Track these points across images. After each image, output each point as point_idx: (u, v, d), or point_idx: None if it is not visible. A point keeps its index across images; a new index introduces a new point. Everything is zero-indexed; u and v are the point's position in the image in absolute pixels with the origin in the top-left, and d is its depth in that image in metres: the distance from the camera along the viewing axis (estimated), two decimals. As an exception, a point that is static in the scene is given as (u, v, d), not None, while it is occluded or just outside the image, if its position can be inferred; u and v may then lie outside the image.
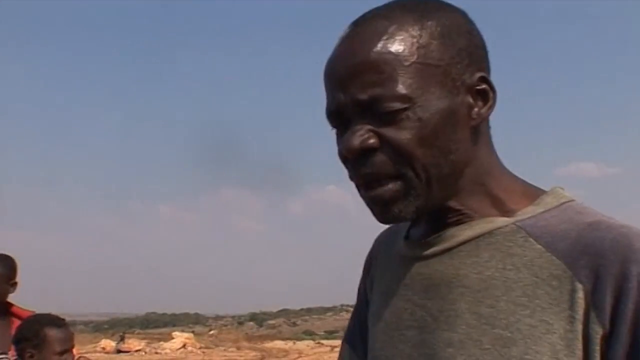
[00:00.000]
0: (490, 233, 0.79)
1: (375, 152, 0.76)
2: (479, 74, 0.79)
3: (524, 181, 0.85)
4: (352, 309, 1.04)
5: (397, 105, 0.75)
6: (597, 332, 0.71)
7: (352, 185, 0.82)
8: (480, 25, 0.84)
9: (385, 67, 0.75)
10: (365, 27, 0.78)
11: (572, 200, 0.82)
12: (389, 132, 0.76)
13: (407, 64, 0.75)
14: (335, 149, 0.81)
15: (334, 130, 0.82)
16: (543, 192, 0.83)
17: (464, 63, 0.78)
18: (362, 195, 0.81)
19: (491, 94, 0.80)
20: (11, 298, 3.16)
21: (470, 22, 0.82)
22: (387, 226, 0.96)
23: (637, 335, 0.69)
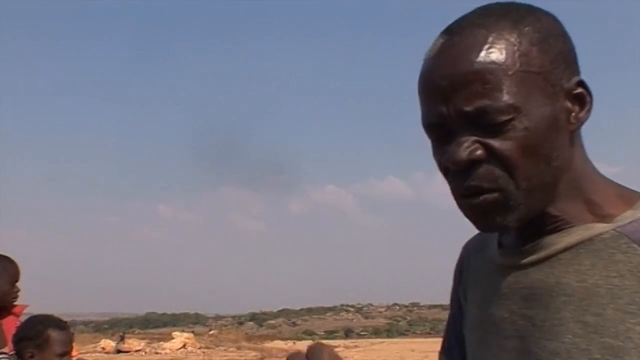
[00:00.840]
0: (590, 240, 0.77)
1: (481, 163, 0.76)
2: (576, 78, 0.79)
3: (618, 184, 0.83)
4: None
5: (504, 115, 0.74)
6: None
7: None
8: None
9: (490, 78, 0.74)
10: (464, 37, 0.76)
11: None
12: (496, 143, 0.75)
13: (510, 72, 0.74)
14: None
15: (431, 141, 0.81)
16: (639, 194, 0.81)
17: (561, 68, 0.78)
18: (460, 205, 0.80)
19: (588, 98, 0.79)
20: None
21: (561, 25, 0.81)
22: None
23: None
